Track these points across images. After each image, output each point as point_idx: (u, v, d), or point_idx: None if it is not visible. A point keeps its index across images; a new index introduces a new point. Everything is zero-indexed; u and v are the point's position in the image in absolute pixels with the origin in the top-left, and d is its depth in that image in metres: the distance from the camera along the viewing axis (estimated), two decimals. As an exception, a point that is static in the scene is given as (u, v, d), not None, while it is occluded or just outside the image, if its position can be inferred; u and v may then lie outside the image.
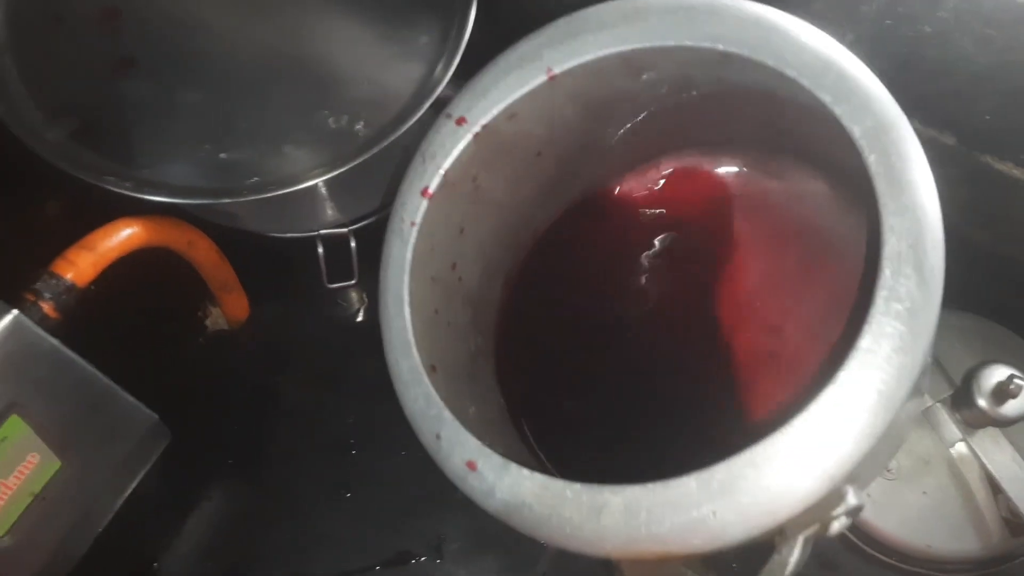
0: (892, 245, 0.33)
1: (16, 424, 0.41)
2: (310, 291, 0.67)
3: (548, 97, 0.42)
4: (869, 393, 0.32)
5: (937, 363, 0.53)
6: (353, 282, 0.63)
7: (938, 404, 0.53)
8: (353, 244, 0.63)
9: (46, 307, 0.44)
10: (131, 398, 0.47)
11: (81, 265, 0.46)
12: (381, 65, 0.56)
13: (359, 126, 0.54)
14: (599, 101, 0.43)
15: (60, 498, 0.44)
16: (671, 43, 0.39)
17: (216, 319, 0.66)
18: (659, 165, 0.50)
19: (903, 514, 0.52)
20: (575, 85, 0.42)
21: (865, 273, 0.37)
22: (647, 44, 0.40)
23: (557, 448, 0.45)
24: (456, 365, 0.44)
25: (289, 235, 0.65)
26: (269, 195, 0.52)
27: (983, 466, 0.51)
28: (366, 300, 0.69)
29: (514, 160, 0.45)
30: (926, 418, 0.53)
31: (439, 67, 0.55)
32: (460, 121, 0.42)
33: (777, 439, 0.32)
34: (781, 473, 0.31)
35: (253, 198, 0.52)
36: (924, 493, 0.53)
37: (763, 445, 0.32)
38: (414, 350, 0.40)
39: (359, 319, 0.68)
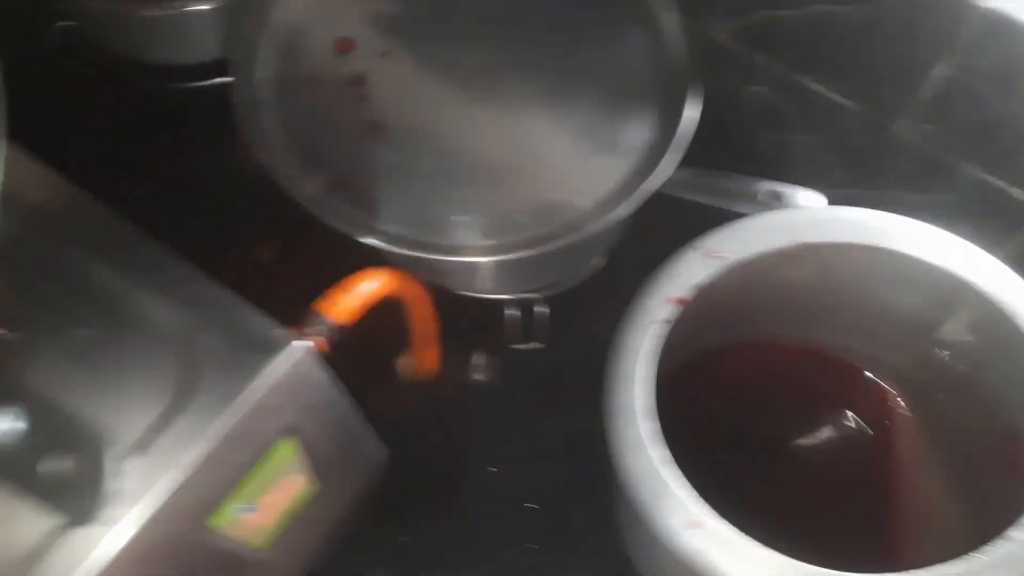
0: None
1: (292, 445, 0.44)
2: (495, 350, 0.70)
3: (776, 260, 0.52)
4: None
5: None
6: (543, 346, 0.66)
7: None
8: (547, 310, 0.66)
9: (318, 341, 0.48)
10: (375, 434, 0.50)
11: (342, 308, 0.50)
12: (603, 149, 0.60)
13: (580, 202, 0.58)
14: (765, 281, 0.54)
15: (312, 521, 0.47)
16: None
17: (404, 368, 0.69)
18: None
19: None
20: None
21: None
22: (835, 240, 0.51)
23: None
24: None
25: (484, 296, 0.69)
26: (500, 259, 0.56)
27: None
28: (549, 363, 0.71)
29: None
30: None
31: (664, 158, 0.58)
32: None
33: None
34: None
35: (487, 260, 0.56)
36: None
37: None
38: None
39: (542, 380, 0.70)
